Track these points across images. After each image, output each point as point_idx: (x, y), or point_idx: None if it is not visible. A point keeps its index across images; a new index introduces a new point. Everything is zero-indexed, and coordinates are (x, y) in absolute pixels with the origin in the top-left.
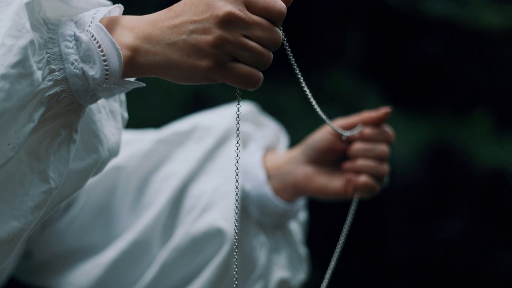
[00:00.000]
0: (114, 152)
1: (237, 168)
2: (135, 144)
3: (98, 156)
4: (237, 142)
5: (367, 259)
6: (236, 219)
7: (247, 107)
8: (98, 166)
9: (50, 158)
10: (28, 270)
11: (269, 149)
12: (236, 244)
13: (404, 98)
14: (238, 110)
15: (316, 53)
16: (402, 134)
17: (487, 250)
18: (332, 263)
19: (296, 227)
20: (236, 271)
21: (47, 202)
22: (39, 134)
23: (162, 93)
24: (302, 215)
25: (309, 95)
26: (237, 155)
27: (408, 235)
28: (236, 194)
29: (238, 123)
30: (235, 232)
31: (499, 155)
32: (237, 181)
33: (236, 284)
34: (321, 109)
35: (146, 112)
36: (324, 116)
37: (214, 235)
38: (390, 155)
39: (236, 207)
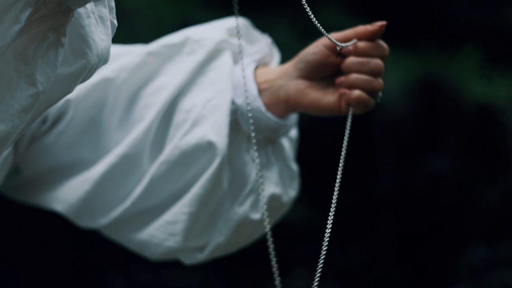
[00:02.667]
0: (103, 58)
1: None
2: (125, 56)
3: (86, 61)
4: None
5: (355, 194)
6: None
7: (239, 21)
8: (87, 71)
9: (37, 62)
10: (15, 186)
11: (261, 63)
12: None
13: (393, 33)
14: (237, 25)
15: None
16: (391, 69)
17: (475, 185)
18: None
19: (287, 144)
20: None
21: (35, 106)
22: (26, 37)
23: (150, 24)
24: (294, 132)
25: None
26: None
27: (396, 169)
28: None
29: (238, 37)
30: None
31: (487, 90)
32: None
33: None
34: (310, 43)
35: (134, 43)
36: (318, 25)
37: (204, 148)
38: None
39: None
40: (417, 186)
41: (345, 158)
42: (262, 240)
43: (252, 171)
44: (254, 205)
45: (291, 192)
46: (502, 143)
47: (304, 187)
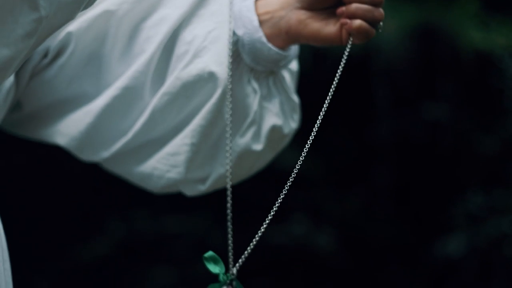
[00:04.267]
0: None
1: None
2: None
3: None
4: None
5: (352, 141)
6: None
7: None
8: None
9: None
10: (17, 121)
11: None
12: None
13: None
14: None
15: None
16: (389, 15)
17: (472, 132)
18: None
19: (288, 76)
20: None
21: (37, 31)
22: None
23: None
24: (294, 65)
25: None
26: None
27: (394, 117)
28: None
29: None
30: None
31: (486, 37)
32: None
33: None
34: None
35: None
36: None
37: (206, 79)
38: (376, 37)
39: None
40: (414, 134)
41: (343, 105)
42: (263, 186)
43: (253, 102)
44: (256, 136)
45: (292, 123)
46: (500, 91)
47: (302, 134)
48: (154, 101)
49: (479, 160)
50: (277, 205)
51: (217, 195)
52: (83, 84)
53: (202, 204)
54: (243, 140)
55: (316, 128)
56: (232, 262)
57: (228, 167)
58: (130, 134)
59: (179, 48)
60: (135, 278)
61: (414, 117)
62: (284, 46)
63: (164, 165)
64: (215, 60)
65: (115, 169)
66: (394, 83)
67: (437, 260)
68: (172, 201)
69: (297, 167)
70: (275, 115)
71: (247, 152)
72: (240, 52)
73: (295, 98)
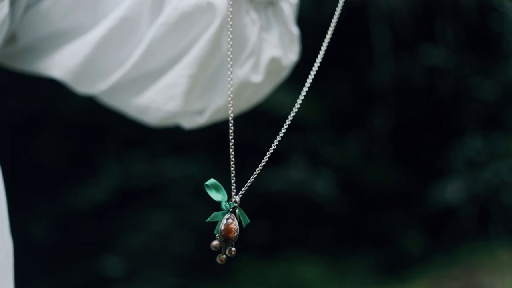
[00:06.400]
0: None
1: None
2: None
3: None
4: None
5: (351, 84)
6: None
7: None
8: None
9: None
10: (13, 54)
11: None
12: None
13: None
14: None
15: None
16: None
17: (472, 76)
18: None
19: (287, 7)
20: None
21: None
22: None
23: None
24: None
25: None
26: None
27: (393, 61)
28: None
29: None
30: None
31: None
32: None
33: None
34: None
35: None
36: None
37: (204, 9)
38: None
39: None
40: (413, 78)
41: (342, 49)
42: (261, 132)
43: (252, 33)
44: (254, 68)
45: (292, 55)
46: (500, 35)
47: (299, 77)
48: (151, 32)
49: (478, 105)
50: (274, 146)
51: (216, 138)
52: (79, 15)
53: (200, 147)
54: (242, 72)
55: (314, 72)
56: (234, 190)
57: (229, 98)
58: (127, 66)
59: None
60: (131, 222)
61: (413, 61)
62: None
63: (162, 97)
64: None
65: (112, 101)
66: (394, 27)
67: (435, 204)
68: (169, 144)
69: (294, 110)
70: (274, 47)
71: (246, 84)
72: None
73: (295, 30)
